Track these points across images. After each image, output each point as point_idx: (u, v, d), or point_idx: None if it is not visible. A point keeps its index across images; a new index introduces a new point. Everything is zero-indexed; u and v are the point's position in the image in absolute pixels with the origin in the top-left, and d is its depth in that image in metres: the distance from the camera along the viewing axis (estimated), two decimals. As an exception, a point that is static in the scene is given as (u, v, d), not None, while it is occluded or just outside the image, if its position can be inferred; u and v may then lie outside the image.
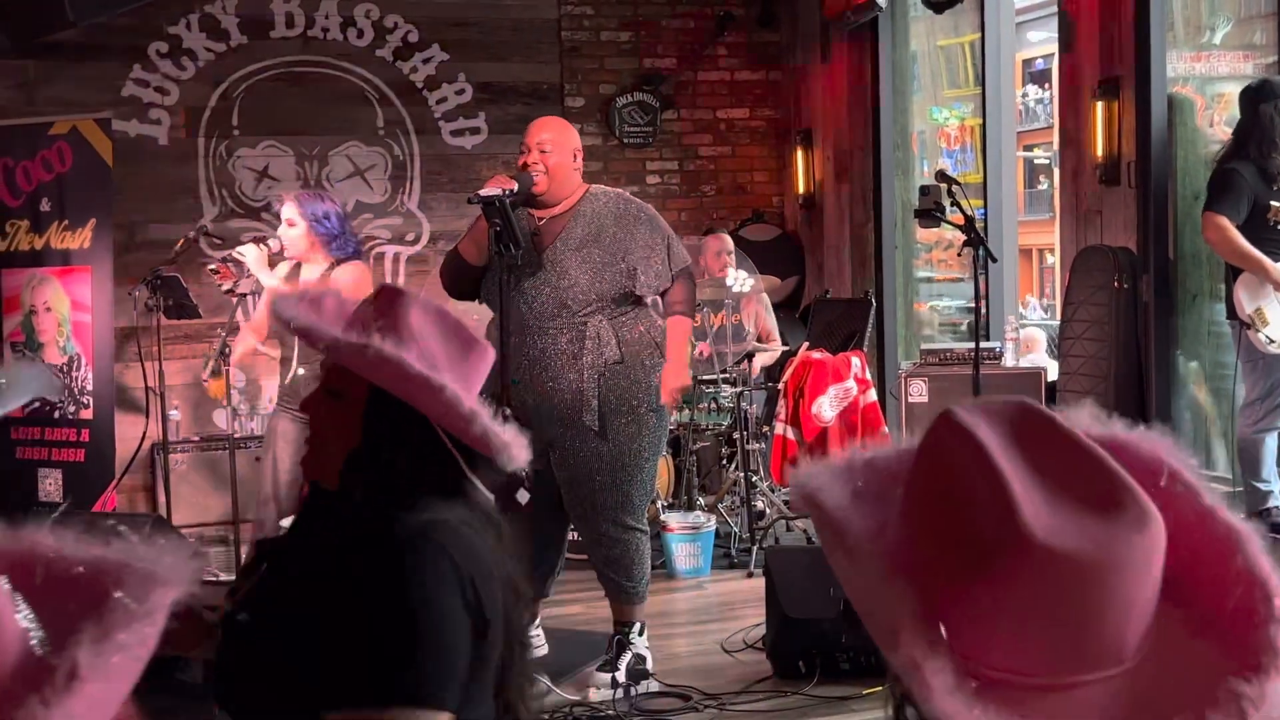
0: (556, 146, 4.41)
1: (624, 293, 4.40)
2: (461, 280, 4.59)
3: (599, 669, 4.60)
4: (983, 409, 1.04)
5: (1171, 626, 1.03)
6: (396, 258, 7.94)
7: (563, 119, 4.85)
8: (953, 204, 4.74)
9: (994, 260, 4.76)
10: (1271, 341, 4.90)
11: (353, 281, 5.05)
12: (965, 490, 1.00)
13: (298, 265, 5.17)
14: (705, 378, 6.45)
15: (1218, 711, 0.95)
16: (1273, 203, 4.86)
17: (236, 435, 5.64)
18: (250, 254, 5.04)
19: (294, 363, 5.04)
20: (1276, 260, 4.86)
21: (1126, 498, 0.99)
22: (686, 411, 6.48)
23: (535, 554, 4.43)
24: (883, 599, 0.99)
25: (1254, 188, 4.87)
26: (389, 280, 7.90)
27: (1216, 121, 5.70)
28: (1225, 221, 4.82)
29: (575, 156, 4.48)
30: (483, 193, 4.27)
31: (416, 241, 7.95)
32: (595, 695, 4.44)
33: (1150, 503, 0.99)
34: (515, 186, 4.30)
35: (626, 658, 4.54)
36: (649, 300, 4.47)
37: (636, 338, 4.43)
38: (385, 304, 1.83)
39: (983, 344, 5.19)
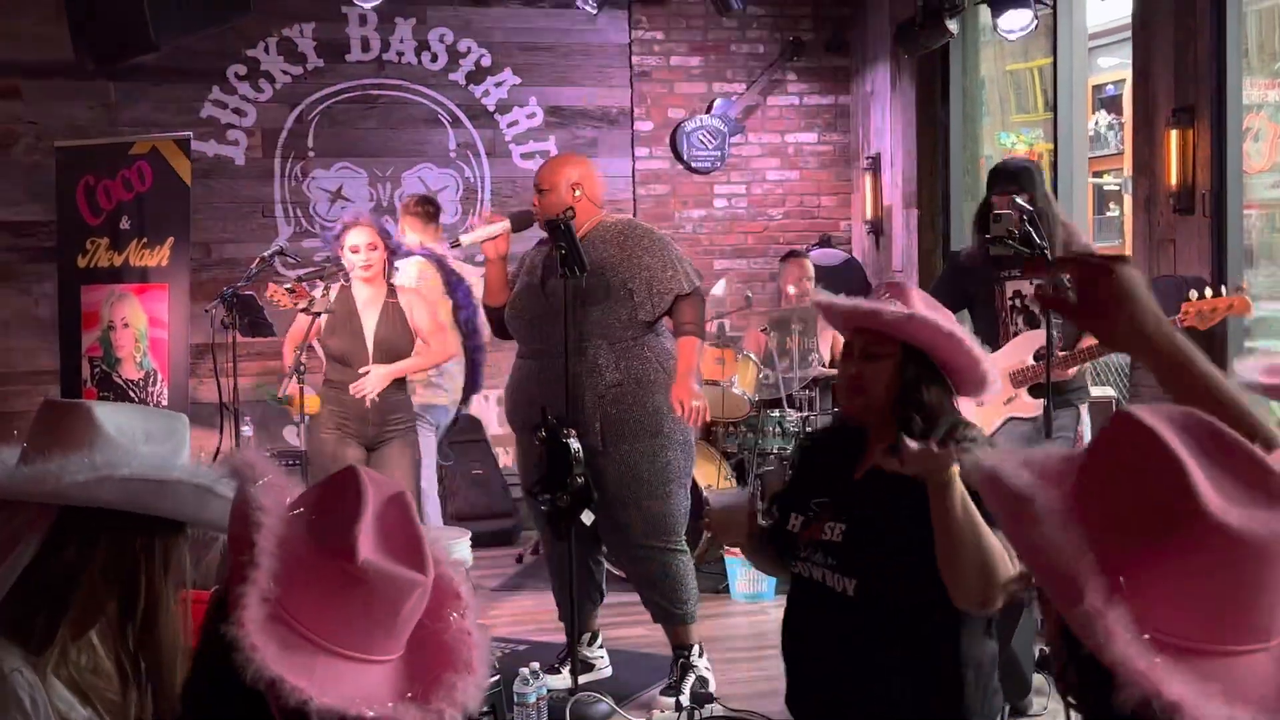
0: (551, 186, 4.60)
1: (629, 319, 4.51)
2: (494, 322, 4.90)
3: (663, 693, 4.64)
4: (1154, 411, 1.16)
5: None
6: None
7: (562, 156, 5.20)
8: (1025, 233, 4.70)
9: (1066, 288, 4.72)
10: None
11: (426, 306, 5.27)
12: (1147, 473, 1.12)
13: (344, 292, 5.28)
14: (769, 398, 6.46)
15: None
16: None
17: (308, 451, 5.71)
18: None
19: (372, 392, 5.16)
20: None
21: None
22: (751, 435, 6.48)
23: (581, 576, 4.49)
24: (1067, 555, 1.10)
25: None
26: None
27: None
28: None
29: (574, 190, 4.61)
30: (462, 239, 4.64)
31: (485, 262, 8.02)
32: (659, 718, 4.46)
33: None
34: (505, 223, 4.60)
35: (690, 680, 4.59)
36: (654, 324, 4.58)
37: (641, 363, 4.54)
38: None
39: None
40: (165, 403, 6.79)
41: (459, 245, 4.60)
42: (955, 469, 2.32)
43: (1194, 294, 4.62)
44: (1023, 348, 4.79)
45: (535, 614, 5.65)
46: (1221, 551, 1.06)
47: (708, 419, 4.60)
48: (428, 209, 6.39)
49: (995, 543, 2.34)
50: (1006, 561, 2.34)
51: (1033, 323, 4.80)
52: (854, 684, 2.56)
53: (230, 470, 1.40)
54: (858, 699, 2.56)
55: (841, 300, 2.63)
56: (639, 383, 4.52)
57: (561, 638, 4.86)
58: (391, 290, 5.26)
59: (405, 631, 1.35)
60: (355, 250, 5.18)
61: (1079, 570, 1.08)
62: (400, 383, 5.29)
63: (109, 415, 1.78)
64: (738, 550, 5.79)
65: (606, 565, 4.98)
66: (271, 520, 1.30)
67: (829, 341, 6.85)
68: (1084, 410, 4.93)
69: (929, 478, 2.34)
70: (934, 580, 2.43)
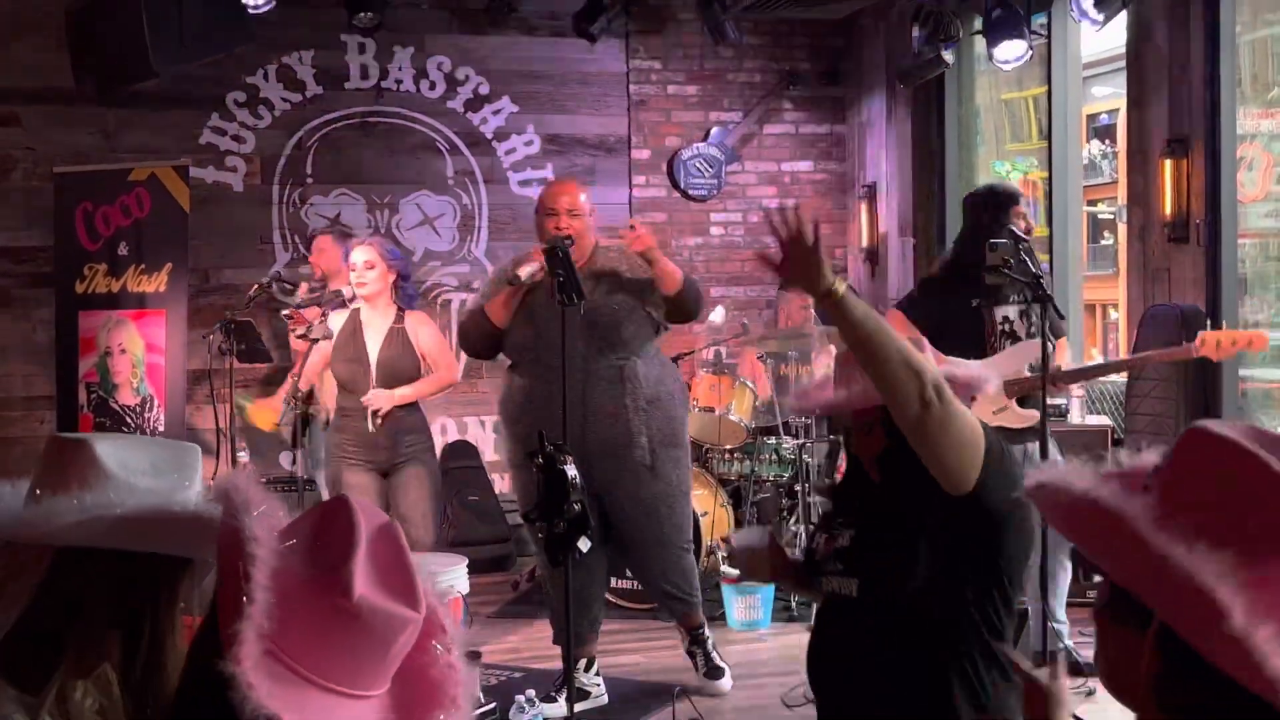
0: (582, 209, 4.67)
1: (650, 331, 4.71)
2: (486, 341, 4.81)
3: (707, 676, 4.92)
4: (1228, 427, 1.14)
5: None
6: (463, 305, 8.03)
7: (573, 180, 5.33)
8: (1021, 261, 4.72)
9: (1061, 317, 4.75)
10: None
11: (433, 329, 5.29)
12: (1248, 489, 1.10)
13: (353, 315, 5.28)
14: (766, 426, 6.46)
15: None
16: None
17: (303, 478, 5.71)
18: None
19: (369, 417, 5.13)
20: None
21: None
22: (747, 463, 6.48)
23: (581, 600, 4.49)
24: (1204, 575, 1.06)
25: None
26: (454, 324, 8.01)
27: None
28: None
29: (593, 215, 4.77)
30: (522, 272, 4.51)
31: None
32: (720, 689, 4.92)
33: None
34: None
35: (713, 651, 4.99)
36: (658, 330, 4.85)
37: (662, 369, 4.81)
38: None
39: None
40: (162, 429, 6.79)
41: (518, 280, 4.55)
42: (840, 283, 2.41)
43: (1209, 323, 4.67)
44: (1017, 357, 4.78)
45: (531, 641, 5.64)
46: None
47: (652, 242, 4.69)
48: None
49: (905, 341, 2.46)
50: (920, 357, 2.44)
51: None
52: (863, 688, 2.58)
53: (218, 495, 1.38)
54: (868, 703, 2.57)
55: (815, 408, 2.92)
56: (667, 388, 4.77)
57: (558, 665, 4.85)
58: (399, 315, 5.27)
59: (394, 666, 1.35)
60: (353, 268, 5.23)
61: (1217, 590, 1.05)
62: (412, 404, 5.28)
63: (112, 450, 1.73)
64: (735, 579, 5.81)
65: (605, 594, 5.04)
66: (264, 552, 1.28)
67: (824, 366, 6.86)
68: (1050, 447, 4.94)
69: (813, 282, 2.42)
70: (932, 574, 2.46)
